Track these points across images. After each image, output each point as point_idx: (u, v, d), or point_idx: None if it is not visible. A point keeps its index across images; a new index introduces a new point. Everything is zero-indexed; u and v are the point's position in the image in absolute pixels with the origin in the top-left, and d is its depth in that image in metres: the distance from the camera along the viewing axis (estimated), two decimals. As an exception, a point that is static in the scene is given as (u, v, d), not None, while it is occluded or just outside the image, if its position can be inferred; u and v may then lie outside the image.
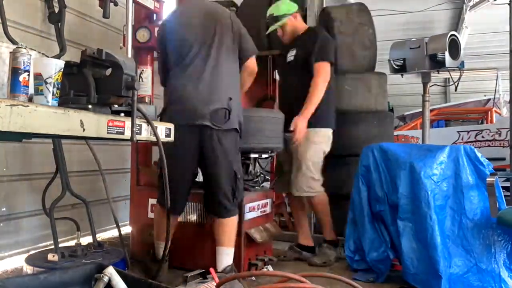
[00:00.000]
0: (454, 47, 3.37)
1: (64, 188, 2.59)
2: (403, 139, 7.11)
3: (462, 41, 5.01)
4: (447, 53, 3.29)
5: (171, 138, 1.92)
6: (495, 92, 8.31)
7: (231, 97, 2.40)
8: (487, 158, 2.52)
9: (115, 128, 1.55)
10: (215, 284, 1.75)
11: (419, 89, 3.68)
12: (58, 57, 2.50)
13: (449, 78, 6.07)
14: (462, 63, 3.49)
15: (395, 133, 6.26)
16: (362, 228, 2.75)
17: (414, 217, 2.45)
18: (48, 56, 1.72)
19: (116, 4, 2.82)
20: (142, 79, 2.94)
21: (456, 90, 3.97)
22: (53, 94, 1.39)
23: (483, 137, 6.66)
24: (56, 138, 2.46)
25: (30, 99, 1.38)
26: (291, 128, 2.85)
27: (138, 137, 1.66)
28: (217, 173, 2.40)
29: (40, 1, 2.88)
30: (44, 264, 2.33)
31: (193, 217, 2.71)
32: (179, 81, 2.43)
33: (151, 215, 2.85)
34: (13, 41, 2.31)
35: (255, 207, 2.78)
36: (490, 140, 6.60)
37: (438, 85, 5.61)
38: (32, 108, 1.23)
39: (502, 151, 6.12)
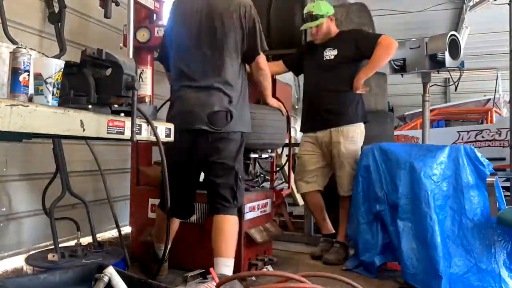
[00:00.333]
0: (454, 47, 3.37)
1: (64, 188, 2.59)
2: (403, 139, 7.12)
3: (462, 41, 5.01)
4: (447, 53, 3.29)
5: (171, 138, 1.92)
6: (495, 92, 8.32)
7: (232, 99, 2.30)
8: (487, 158, 2.52)
9: (115, 128, 1.55)
10: (215, 284, 1.75)
11: (419, 89, 3.68)
12: (58, 57, 2.50)
13: (449, 78, 6.06)
14: (462, 63, 3.49)
15: (395, 133, 6.26)
16: (358, 229, 2.77)
17: (414, 217, 2.45)
18: (48, 56, 1.72)
19: (117, 4, 2.82)
20: (142, 79, 2.94)
21: (456, 90, 3.98)
22: (53, 94, 1.40)
23: (483, 137, 6.67)
24: (56, 138, 2.46)
25: (30, 99, 1.38)
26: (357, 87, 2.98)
27: (138, 137, 1.66)
28: (217, 176, 2.32)
29: (40, 1, 2.88)
30: (44, 264, 2.33)
31: (193, 217, 2.71)
32: (178, 82, 2.38)
33: (151, 215, 2.85)
34: (13, 41, 2.31)
35: (255, 207, 2.78)
36: (490, 140, 6.61)
37: (438, 85, 5.60)
38: (32, 108, 1.24)
39: (502, 151, 6.13)
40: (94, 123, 1.45)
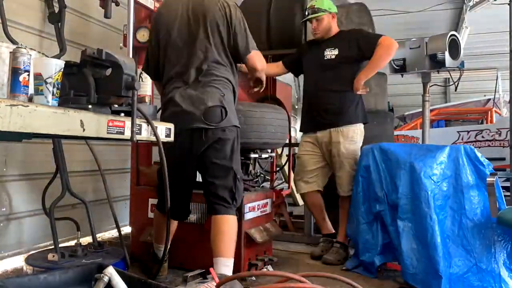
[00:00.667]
0: (454, 47, 3.37)
1: (64, 188, 2.59)
2: (403, 139, 7.12)
3: (462, 41, 5.01)
4: (447, 53, 3.29)
5: (171, 138, 1.92)
6: (495, 92, 8.32)
7: (224, 95, 2.28)
8: (487, 158, 2.52)
9: (115, 128, 1.55)
10: (215, 284, 1.75)
11: (419, 89, 3.68)
12: (58, 57, 2.50)
13: (449, 78, 6.06)
14: (462, 63, 3.49)
15: (395, 133, 6.27)
16: (358, 229, 2.77)
17: (414, 217, 2.45)
18: (48, 56, 1.72)
19: (117, 4, 2.82)
20: (142, 79, 2.94)
21: (456, 90, 3.98)
22: (53, 94, 1.40)
23: (483, 137, 6.67)
24: (56, 138, 2.46)
25: (30, 99, 1.38)
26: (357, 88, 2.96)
27: (138, 137, 1.66)
28: (215, 177, 2.30)
29: (40, 1, 2.88)
30: (44, 264, 2.33)
31: (193, 217, 2.71)
32: (168, 82, 2.34)
33: (151, 215, 2.85)
34: (13, 41, 2.31)
35: (255, 207, 2.78)
36: (490, 140, 6.61)
37: (438, 85, 5.60)
38: (32, 108, 1.24)
39: (502, 151, 6.13)
40: (94, 123, 1.45)
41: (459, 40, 3.42)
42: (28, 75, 1.34)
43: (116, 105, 1.62)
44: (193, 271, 2.17)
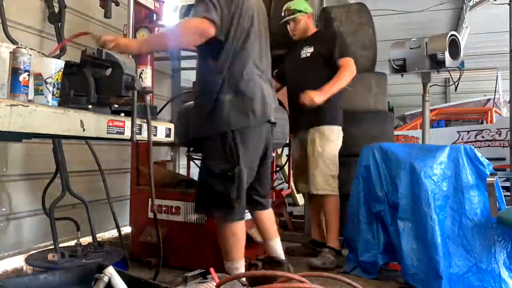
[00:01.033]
0: (454, 47, 3.36)
1: (64, 188, 2.59)
2: (403, 139, 7.12)
3: (462, 41, 5.01)
4: (447, 53, 3.29)
5: (171, 138, 1.92)
6: (495, 92, 8.32)
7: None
8: (487, 158, 2.52)
9: (115, 128, 1.55)
10: (215, 284, 1.75)
11: (419, 89, 3.68)
12: (58, 57, 2.50)
13: (449, 78, 6.07)
14: (462, 63, 3.49)
15: (395, 133, 6.27)
16: (358, 229, 2.76)
17: (414, 217, 2.45)
18: (48, 56, 1.72)
19: (117, 4, 2.82)
20: (142, 79, 2.94)
21: (456, 90, 3.98)
22: (53, 94, 1.40)
23: (483, 137, 6.68)
24: (56, 138, 2.46)
25: (30, 99, 1.38)
26: (302, 99, 2.86)
27: (138, 137, 1.66)
28: (267, 169, 2.41)
29: (40, 1, 2.88)
30: (44, 264, 2.33)
31: (193, 217, 2.71)
32: (247, 66, 2.16)
33: (151, 215, 2.85)
34: (13, 41, 2.31)
35: (255, 207, 2.77)
36: (490, 140, 6.61)
37: (438, 85, 5.61)
38: (32, 108, 1.24)
39: (502, 151, 6.13)
40: (94, 123, 1.45)
41: (459, 40, 3.42)
42: (28, 75, 1.34)
43: (116, 105, 1.62)
44: (193, 271, 2.17)
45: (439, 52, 3.33)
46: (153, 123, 1.78)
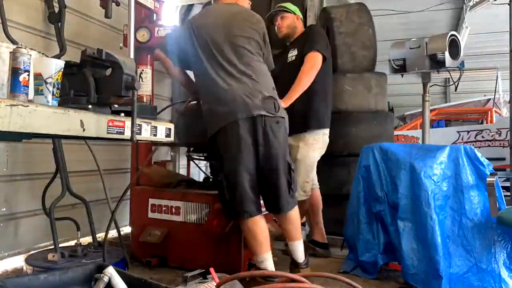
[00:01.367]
0: (454, 47, 3.36)
1: (64, 188, 2.60)
2: (403, 139, 7.12)
3: (462, 41, 5.01)
4: (447, 53, 3.29)
5: (171, 138, 1.92)
6: (495, 92, 8.32)
7: (274, 88, 2.41)
8: (487, 158, 2.52)
9: (115, 128, 1.55)
10: (215, 284, 1.75)
11: (419, 89, 3.67)
12: (58, 57, 2.50)
13: (449, 78, 6.07)
14: (462, 63, 3.49)
15: (395, 133, 6.27)
16: (358, 229, 2.76)
17: (414, 217, 2.45)
18: (48, 56, 1.72)
19: (118, 4, 2.81)
20: (142, 79, 2.94)
21: (456, 90, 3.97)
22: (53, 94, 1.39)
23: (483, 137, 6.67)
24: (56, 138, 2.46)
25: (30, 99, 1.38)
26: None
27: (138, 137, 1.65)
28: (276, 166, 2.32)
29: (40, 1, 2.88)
30: (44, 264, 2.33)
31: (193, 217, 2.71)
32: (219, 79, 2.32)
33: (151, 215, 2.85)
34: (13, 41, 2.31)
35: (255, 207, 2.77)
36: (490, 140, 6.61)
37: (438, 85, 5.61)
38: (32, 108, 1.23)
39: (502, 151, 6.13)
40: (94, 123, 1.45)
41: (459, 40, 3.42)
42: (28, 75, 1.34)
43: (116, 105, 1.62)
44: (193, 271, 2.17)
45: (439, 52, 3.33)
46: (153, 123, 1.78)
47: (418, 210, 2.42)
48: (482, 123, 7.98)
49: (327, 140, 3.12)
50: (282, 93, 3.00)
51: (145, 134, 1.72)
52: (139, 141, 1.87)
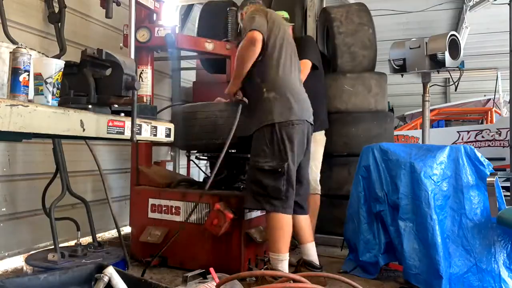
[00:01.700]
0: (454, 47, 3.37)
1: (64, 188, 2.60)
2: (403, 139, 7.12)
3: (462, 41, 5.01)
4: (447, 53, 3.29)
5: (171, 138, 1.92)
6: (495, 92, 8.32)
7: None
8: (487, 158, 2.52)
9: (115, 128, 1.55)
10: (215, 284, 1.75)
11: (419, 89, 3.68)
12: (58, 57, 2.51)
13: (449, 78, 6.07)
14: (462, 63, 3.49)
15: (395, 133, 6.27)
16: (358, 229, 2.76)
17: (414, 217, 2.45)
18: (48, 56, 1.72)
19: (118, 4, 2.81)
20: (142, 79, 2.94)
21: (456, 90, 3.98)
22: (53, 94, 1.39)
23: (483, 137, 6.67)
24: (56, 138, 2.46)
25: (30, 99, 1.38)
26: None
27: (138, 137, 1.66)
28: (307, 171, 2.56)
29: (40, 1, 2.88)
30: (44, 264, 2.33)
31: (193, 217, 2.71)
32: (291, 78, 2.45)
33: (151, 215, 2.85)
34: (13, 41, 2.31)
35: (255, 207, 2.77)
36: (490, 140, 6.61)
37: (438, 85, 5.61)
38: (32, 108, 1.24)
39: (502, 151, 6.13)
40: (94, 123, 1.45)
41: (459, 40, 3.42)
42: (28, 75, 1.34)
43: (116, 105, 1.62)
44: (193, 271, 2.17)
45: (439, 52, 3.33)
46: (153, 123, 1.78)
47: (418, 210, 2.42)
48: (482, 123, 7.99)
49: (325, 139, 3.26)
50: None
51: (145, 134, 1.73)
52: (139, 141, 1.87)
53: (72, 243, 2.70)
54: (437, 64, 3.41)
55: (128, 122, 1.60)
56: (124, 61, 1.59)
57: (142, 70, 2.98)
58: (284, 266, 2.32)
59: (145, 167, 3.02)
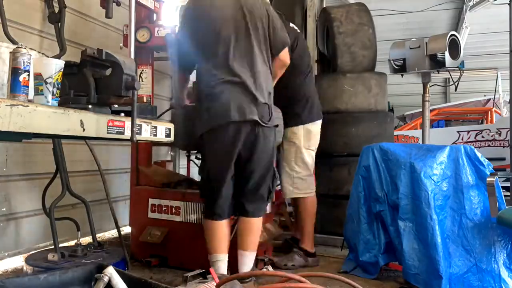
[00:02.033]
0: (454, 47, 3.37)
1: (64, 188, 2.60)
2: (403, 139, 7.12)
3: (462, 41, 5.01)
4: (447, 53, 3.29)
5: (171, 138, 1.92)
6: (495, 92, 8.32)
7: (270, 92, 2.35)
8: (487, 158, 2.52)
9: (115, 128, 1.55)
10: (215, 284, 1.75)
11: (419, 89, 3.68)
12: (58, 57, 2.50)
13: (449, 78, 6.07)
14: (462, 63, 3.50)
15: (395, 133, 6.27)
16: (358, 229, 2.76)
17: (414, 217, 2.45)
18: (48, 56, 1.72)
19: (118, 4, 2.81)
20: (142, 79, 2.94)
21: (456, 90, 3.98)
22: (53, 94, 1.40)
23: (483, 137, 6.68)
24: (56, 138, 2.46)
25: (30, 99, 1.38)
26: None
27: (138, 137, 1.66)
28: (257, 170, 2.32)
29: (40, 1, 2.88)
30: (44, 264, 2.33)
31: (192, 217, 2.71)
32: (215, 77, 2.26)
33: (151, 215, 2.85)
34: (13, 41, 2.31)
35: (255, 207, 2.77)
36: (490, 140, 6.61)
37: (438, 85, 5.60)
38: (32, 108, 1.24)
39: (502, 151, 6.13)
40: (94, 123, 1.45)
41: (459, 40, 3.42)
42: (28, 75, 1.34)
43: (116, 105, 1.62)
44: (193, 271, 2.17)
45: (439, 52, 3.33)
46: (153, 123, 1.78)
47: (418, 210, 2.42)
48: (482, 123, 8.00)
49: (313, 133, 3.03)
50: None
51: (145, 134, 1.73)
52: (139, 141, 1.87)
53: (72, 243, 2.70)
54: (437, 64, 3.41)
55: (128, 122, 1.60)
56: (124, 61, 1.59)
57: (142, 70, 2.98)
58: (220, 266, 2.30)
59: (145, 167, 3.02)
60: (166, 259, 2.79)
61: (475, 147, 2.66)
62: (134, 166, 3.02)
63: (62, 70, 1.43)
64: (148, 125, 1.75)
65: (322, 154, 3.24)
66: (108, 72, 1.60)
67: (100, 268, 1.66)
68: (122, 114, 1.63)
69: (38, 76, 1.38)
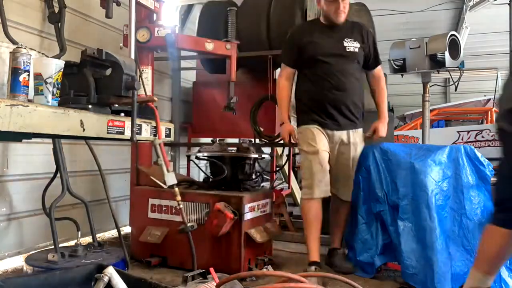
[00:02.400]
0: (454, 47, 3.37)
1: (64, 188, 2.60)
2: (403, 139, 7.12)
3: (462, 41, 5.01)
4: (447, 53, 3.30)
5: (171, 138, 1.93)
6: (495, 92, 8.31)
7: None
8: (487, 158, 2.52)
9: (115, 128, 1.55)
10: (215, 284, 1.75)
11: (419, 89, 3.68)
12: (58, 57, 2.51)
13: (449, 78, 6.07)
14: (462, 63, 3.50)
15: (395, 133, 6.26)
16: (356, 229, 2.76)
17: (414, 217, 2.45)
18: (48, 56, 1.72)
19: (118, 4, 2.81)
20: (142, 79, 2.94)
21: (456, 90, 3.98)
22: (53, 94, 1.40)
23: (483, 137, 6.66)
24: (56, 138, 2.46)
25: (30, 99, 1.38)
26: (371, 132, 2.78)
27: (138, 137, 1.66)
28: None
29: (40, 1, 2.88)
30: (44, 264, 2.33)
31: (193, 217, 2.71)
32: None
33: (151, 215, 2.85)
34: (13, 41, 2.31)
35: (255, 207, 2.78)
36: (490, 140, 6.60)
37: (438, 85, 5.61)
38: (32, 108, 1.24)
39: (502, 151, 6.12)
40: (94, 123, 1.45)
41: (459, 40, 3.43)
42: (28, 75, 1.34)
43: (116, 105, 1.62)
44: (193, 271, 2.17)
45: (439, 52, 3.33)
46: (153, 123, 1.78)
47: (418, 210, 2.41)
48: (482, 123, 7.98)
49: None
50: (337, 83, 2.69)
51: (145, 134, 1.73)
52: (139, 141, 1.87)
53: (72, 243, 2.69)
54: (437, 64, 3.41)
55: (128, 122, 1.60)
56: (124, 61, 1.60)
57: (142, 70, 2.98)
58: None
59: (145, 167, 3.02)
60: (166, 259, 2.79)
61: (475, 147, 2.66)
62: (134, 166, 3.02)
63: (62, 70, 1.43)
64: (148, 125, 1.75)
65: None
66: (108, 72, 1.61)
67: (100, 268, 1.66)
68: (122, 114, 1.63)
69: (38, 76, 1.38)
